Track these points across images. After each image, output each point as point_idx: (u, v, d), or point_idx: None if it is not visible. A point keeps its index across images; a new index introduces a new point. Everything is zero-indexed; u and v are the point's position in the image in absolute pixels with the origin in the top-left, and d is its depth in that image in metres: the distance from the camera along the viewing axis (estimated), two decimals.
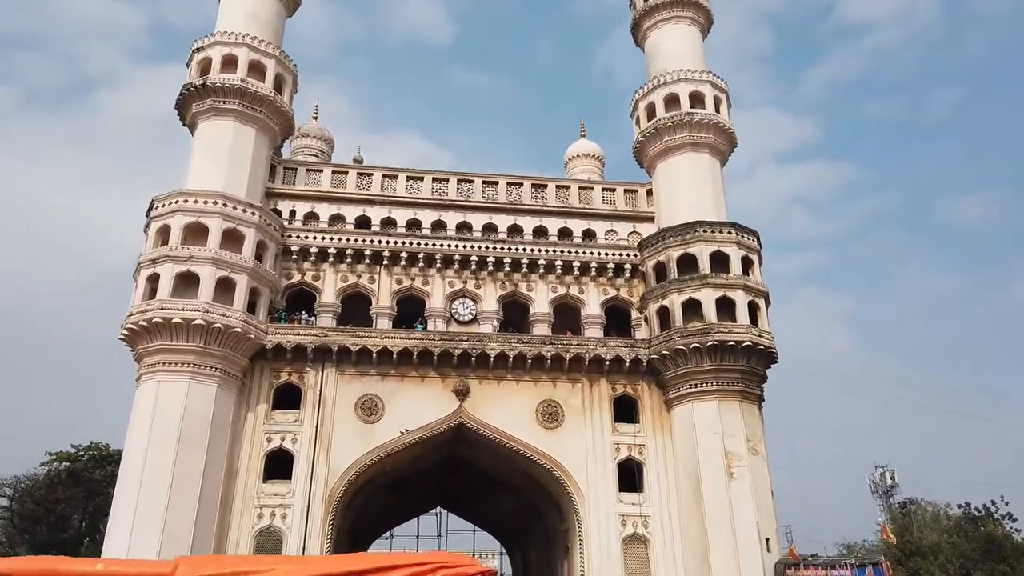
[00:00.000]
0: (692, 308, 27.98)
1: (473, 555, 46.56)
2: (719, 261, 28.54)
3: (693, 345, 27.01)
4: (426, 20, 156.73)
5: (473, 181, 31.65)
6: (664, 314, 28.53)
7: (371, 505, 36.24)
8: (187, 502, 23.42)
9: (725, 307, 27.84)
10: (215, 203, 26.53)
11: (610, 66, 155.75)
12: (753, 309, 28.17)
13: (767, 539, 25.34)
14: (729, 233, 28.93)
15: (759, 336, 27.49)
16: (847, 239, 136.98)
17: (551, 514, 30.39)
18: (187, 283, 25.72)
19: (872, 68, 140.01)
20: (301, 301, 28.82)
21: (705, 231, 28.79)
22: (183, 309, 24.93)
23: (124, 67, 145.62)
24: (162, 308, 24.84)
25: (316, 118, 43.32)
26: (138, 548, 22.45)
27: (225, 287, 25.96)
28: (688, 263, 28.64)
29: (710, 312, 27.57)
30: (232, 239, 26.65)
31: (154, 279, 25.59)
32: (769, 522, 25.79)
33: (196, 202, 26.50)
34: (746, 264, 28.84)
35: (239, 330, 25.46)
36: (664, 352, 27.63)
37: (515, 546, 40.62)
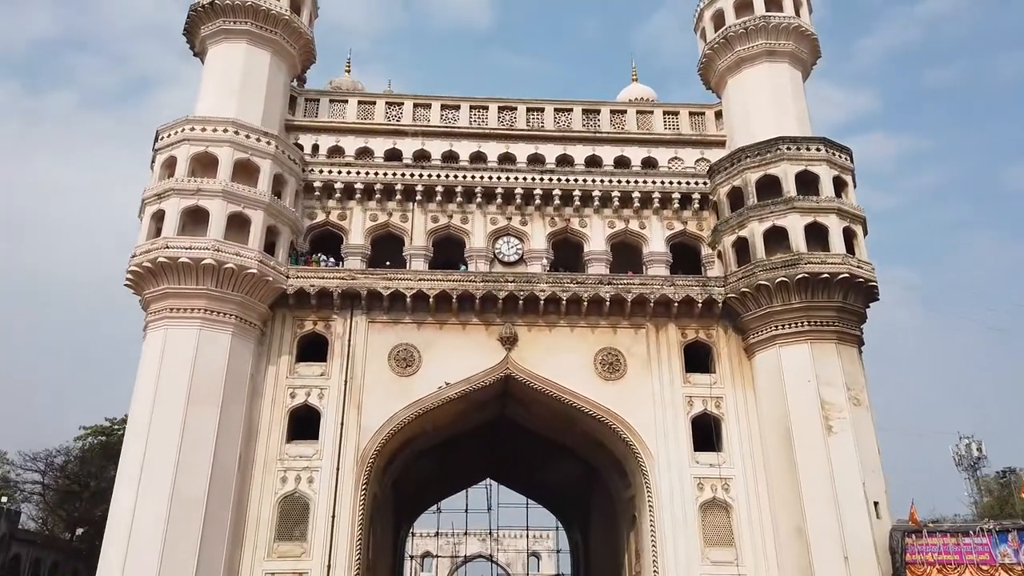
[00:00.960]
0: (775, 238, 23.87)
1: (526, 532, 43.39)
2: (807, 183, 24.31)
3: (779, 279, 22.93)
4: (467, 4, 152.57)
5: (516, 108, 27.93)
6: (742, 247, 24.48)
7: (414, 473, 33.28)
8: (199, 464, 20.57)
9: (815, 236, 23.64)
10: (225, 131, 23.48)
11: (655, 42, 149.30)
12: (849, 237, 23.91)
13: (875, 503, 21.27)
14: (818, 150, 24.65)
15: (858, 267, 23.25)
16: (908, 212, 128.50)
17: (614, 480, 26.79)
18: (196, 221, 22.79)
19: (928, 35, 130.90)
20: (326, 244, 25.65)
21: (789, 148, 24.55)
22: (191, 247, 21.98)
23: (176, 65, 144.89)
24: (167, 247, 21.94)
25: (348, 71, 40.09)
26: (144, 515, 19.74)
27: (239, 225, 22.96)
28: (769, 187, 24.49)
29: (798, 241, 23.43)
30: (246, 172, 23.61)
31: (159, 216, 22.72)
32: (877, 484, 21.68)
33: (204, 130, 23.49)
34: (839, 185, 24.55)
35: (255, 271, 22.41)
36: (743, 290, 23.61)
37: (573, 520, 37.18)
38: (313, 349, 23.99)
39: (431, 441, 27.04)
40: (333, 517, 21.68)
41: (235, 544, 21.05)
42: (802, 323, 23.06)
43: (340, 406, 22.99)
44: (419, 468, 33.28)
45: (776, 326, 23.31)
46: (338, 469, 22.25)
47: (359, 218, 25.70)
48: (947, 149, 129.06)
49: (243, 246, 22.57)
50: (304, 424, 23.10)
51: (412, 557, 43.38)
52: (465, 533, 40.75)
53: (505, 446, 33.56)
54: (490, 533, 41.10)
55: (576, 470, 33.45)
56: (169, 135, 23.72)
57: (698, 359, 24.70)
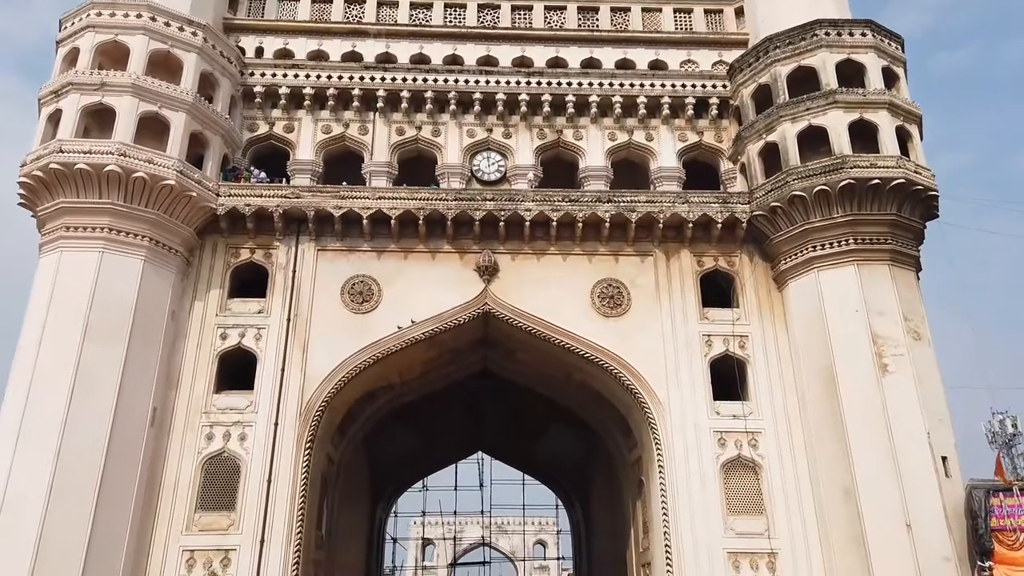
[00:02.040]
0: (811, 142, 19.53)
1: (523, 511, 39.25)
2: (849, 76, 19.94)
3: (818, 188, 18.59)
4: None
5: (499, 6, 23.52)
6: (770, 155, 20.13)
7: (392, 444, 29.19)
8: (96, 414, 16.48)
9: (862, 137, 19.30)
10: (139, 16, 19.25)
11: None
12: (902, 138, 19.55)
13: (943, 458, 17.01)
14: (863, 35, 20.23)
15: (915, 172, 18.88)
16: None
17: (617, 441, 22.57)
18: (103, 125, 18.65)
19: (937, 20, 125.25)
20: (271, 164, 21.38)
21: (828, 33, 20.13)
22: (90, 151, 17.81)
23: None
24: (61, 151, 17.78)
25: None
26: (21, 477, 15.69)
27: (156, 132, 18.78)
28: (804, 81, 20.11)
29: (840, 142, 19.07)
30: (166, 69, 19.41)
31: (56, 118, 18.56)
32: (944, 435, 17.41)
33: (114, 15, 19.29)
34: (889, 78, 20.16)
35: (172, 182, 18.23)
36: (773, 204, 19.27)
37: (574, 496, 32.97)
38: (250, 283, 19.84)
39: (401, 397, 22.84)
40: (269, 482, 17.57)
41: (146, 514, 16.99)
42: (847, 241, 18.73)
43: (281, 349, 18.85)
44: (398, 439, 29.23)
45: (814, 246, 18.97)
46: (277, 424, 18.13)
47: (309, 130, 21.46)
48: (956, 136, 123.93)
49: (159, 152, 18.39)
50: (238, 372, 18.98)
51: (396, 540, 39.31)
52: (455, 513, 36.57)
53: (493, 411, 29.40)
54: (483, 512, 36.93)
55: (574, 438, 29.25)
56: (72, 23, 19.55)
57: (717, 292, 20.40)
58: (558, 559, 43.40)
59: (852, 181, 18.42)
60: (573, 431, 28.53)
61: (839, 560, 16.87)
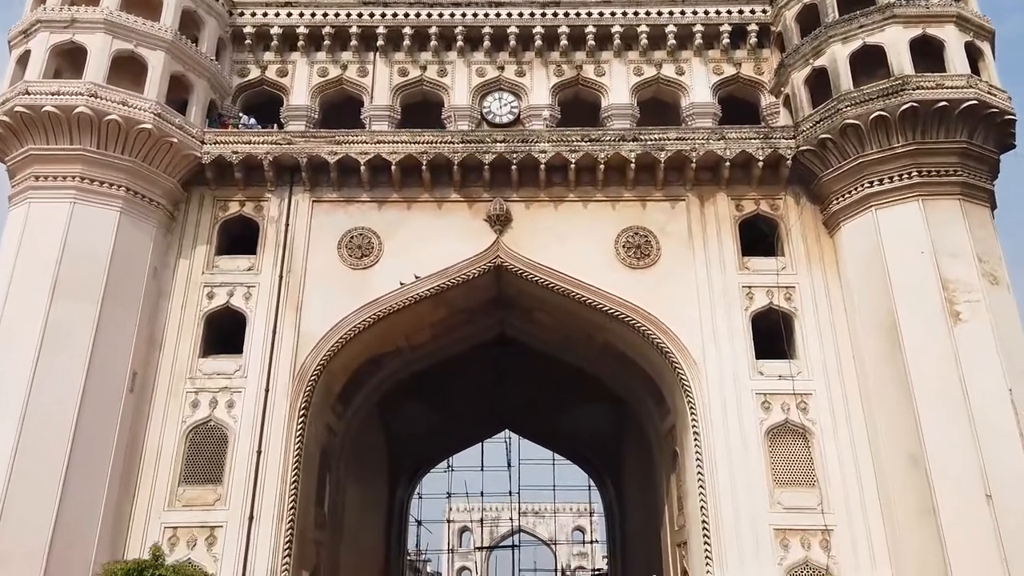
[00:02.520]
0: (866, 64, 17.06)
1: (553, 493, 37.27)
2: None
3: (875, 114, 16.16)
4: None
5: None
6: (818, 82, 17.73)
7: (411, 422, 27.52)
8: (65, 378, 14.95)
9: (924, 57, 16.78)
10: None
11: None
12: (972, 56, 16.98)
13: None
14: None
15: (988, 93, 16.33)
16: None
17: (648, 410, 20.44)
18: (75, 66, 17.04)
19: None
20: (264, 112, 19.64)
21: None
22: (58, 93, 16.23)
23: None
24: (27, 92, 16.23)
25: None
26: None
27: (132, 72, 17.15)
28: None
29: (900, 61, 16.59)
30: (145, 4, 17.74)
31: (25, 59, 17.02)
32: None
33: None
34: None
35: (149, 127, 16.57)
36: (823, 137, 16.88)
37: (605, 474, 30.94)
38: (240, 238, 18.15)
39: (411, 365, 21.02)
40: (259, 453, 15.91)
41: (124, 488, 15.46)
42: (909, 174, 16.28)
43: (273, 309, 17.14)
44: (416, 414, 27.56)
45: (871, 182, 16.56)
46: (268, 390, 16.44)
47: (304, 73, 19.67)
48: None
49: (134, 94, 16.75)
50: (226, 334, 17.33)
51: (420, 523, 37.79)
52: (481, 495, 34.84)
53: (515, 384, 27.48)
54: (510, 494, 35.13)
55: (602, 411, 27.27)
56: None
57: (759, 239, 18.13)
58: (591, 543, 41.34)
59: (915, 104, 15.96)
60: (601, 403, 26.53)
61: (906, 537, 14.60)
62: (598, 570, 42.22)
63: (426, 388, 26.98)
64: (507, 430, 34.02)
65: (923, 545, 14.32)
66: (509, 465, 35.30)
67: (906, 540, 14.57)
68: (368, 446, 26.55)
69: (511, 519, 37.68)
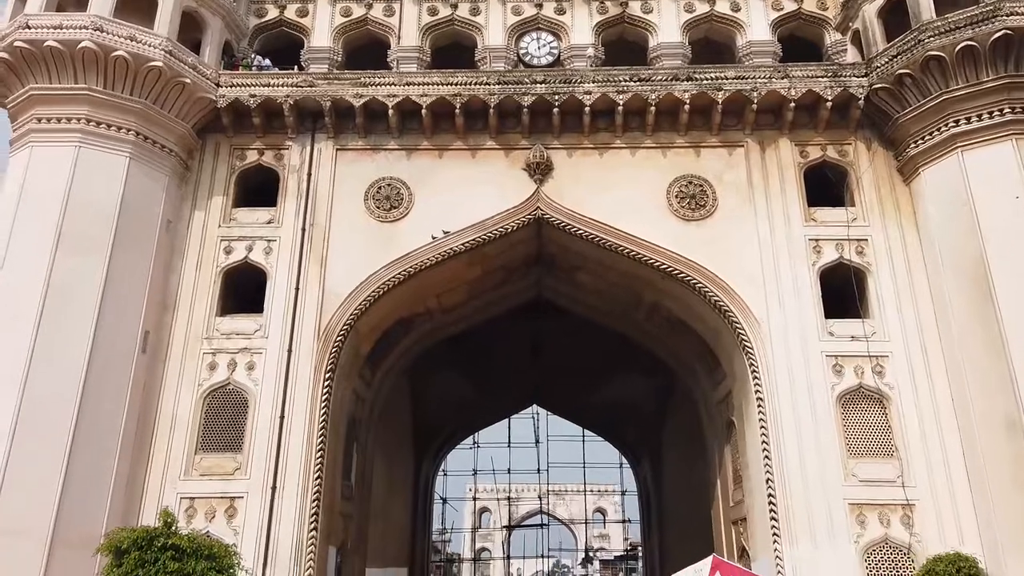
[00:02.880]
0: None
1: (583, 471, 35.97)
2: None
3: (962, 44, 14.43)
4: None
5: None
6: (893, 14, 16.00)
7: (437, 392, 26.27)
8: (70, 338, 13.69)
9: None
10: None
11: None
12: None
13: None
14: None
15: None
16: None
17: (698, 377, 18.93)
18: (80, 1, 15.65)
19: None
20: (283, 56, 18.15)
21: None
22: (61, 27, 14.85)
23: None
24: (27, 27, 14.87)
25: None
26: None
27: (141, 9, 15.63)
28: None
29: None
30: None
31: None
32: None
33: None
34: None
35: (160, 64, 15.17)
36: (900, 72, 15.15)
37: (641, 451, 29.54)
38: (259, 188, 16.78)
39: (443, 329, 19.65)
40: (282, 418, 14.62)
41: (137, 457, 14.24)
42: (1000, 111, 14.56)
43: (295, 264, 15.79)
44: (444, 385, 26.31)
45: (956, 121, 14.86)
46: (290, 351, 15.12)
47: (326, 13, 18.16)
48: None
49: (144, 29, 15.34)
50: (245, 292, 16.02)
51: (445, 501, 36.69)
52: (508, 471, 33.58)
53: (549, 354, 26.12)
54: (539, 471, 33.88)
55: (643, 383, 25.88)
56: None
57: (826, 188, 16.49)
58: (623, 522, 40.08)
59: (1009, 32, 14.22)
60: (641, 374, 25.14)
61: (1001, 512, 13.05)
62: (630, 549, 40.91)
63: (458, 359, 25.73)
64: (535, 405, 32.79)
65: (1020, 520, 12.80)
66: (537, 442, 34.03)
67: (1002, 516, 13.02)
68: (396, 418, 25.35)
69: (538, 496, 36.39)
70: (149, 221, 15.29)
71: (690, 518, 23.23)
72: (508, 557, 46.54)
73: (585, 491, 35.76)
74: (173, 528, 10.98)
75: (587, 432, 33.34)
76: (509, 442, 34.03)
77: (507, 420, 33.17)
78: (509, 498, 38.29)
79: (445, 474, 34.26)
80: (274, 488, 14.09)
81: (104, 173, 14.82)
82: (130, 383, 14.25)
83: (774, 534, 13.93)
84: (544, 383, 28.80)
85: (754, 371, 15.04)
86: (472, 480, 34.61)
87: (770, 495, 14.20)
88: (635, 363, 24.52)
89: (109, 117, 15.07)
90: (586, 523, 42.27)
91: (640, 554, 40.40)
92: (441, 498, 35.63)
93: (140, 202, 15.18)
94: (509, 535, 51.35)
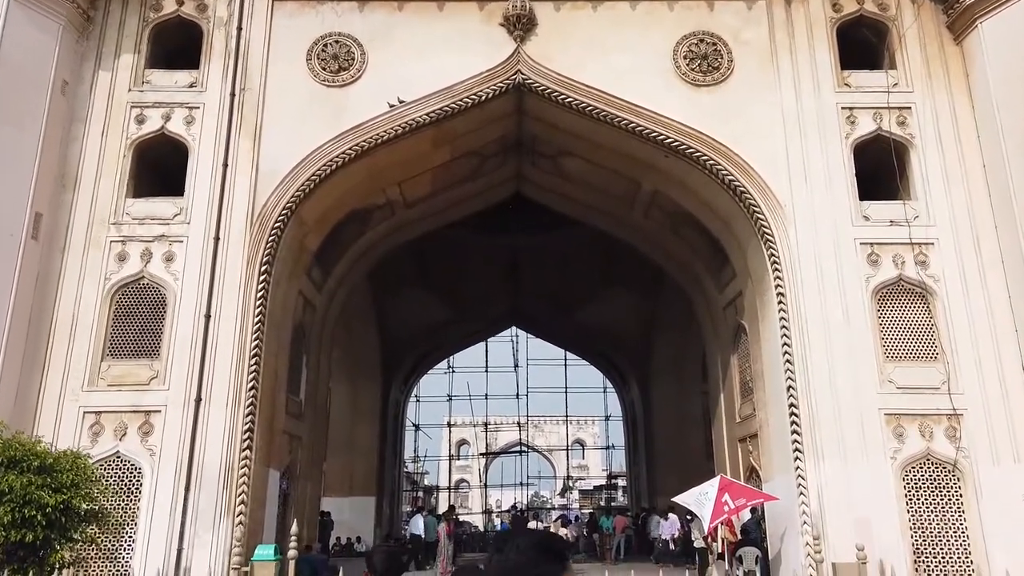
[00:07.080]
0: None
1: (565, 395, 33.99)
2: None
3: None
4: None
5: None
6: None
7: (406, 310, 23.86)
8: None
9: None
10: None
11: None
12: None
13: None
14: None
15: None
16: None
17: (700, 279, 16.54)
18: None
19: None
20: None
21: None
22: None
23: None
24: None
25: None
26: None
27: None
28: None
29: None
30: None
31: None
32: None
33: None
34: None
35: None
36: None
37: (628, 372, 27.49)
38: (179, 48, 13.81)
39: (406, 227, 16.98)
40: (207, 318, 12.07)
41: (30, 364, 11.69)
42: None
43: (223, 136, 12.99)
44: (417, 305, 23.88)
45: None
46: (217, 239, 12.47)
47: None
48: None
49: None
50: (162, 170, 13.24)
51: (418, 428, 34.71)
52: (485, 396, 31.58)
53: (529, 274, 23.76)
54: (517, 396, 31.87)
55: (632, 298, 23.70)
56: None
57: (862, 49, 13.88)
58: (606, 448, 38.46)
59: None
60: (631, 288, 22.98)
61: None
62: (611, 478, 39.51)
63: (429, 276, 23.32)
64: (514, 327, 30.55)
65: None
66: (516, 366, 31.85)
67: None
68: (359, 337, 23.05)
69: (517, 424, 34.47)
70: (38, 80, 12.38)
71: (684, 443, 21.41)
72: (485, 486, 45.05)
73: (567, 417, 33.78)
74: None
75: (570, 356, 31.24)
76: (487, 366, 31.85)
77: (484, 343, 30.92)
78: (487, 424, 36.22)
79: (418, 400, 32.14)
80: (199, 400, 11.65)
81: None
82: (16, 274, 11.60)
83: (796, 451, 11.80)
84: (523, 303, 26.51)
85: (775, 263, 12.68)
86: (447, 407, 32.50)
87: (792, 406, 12.01)
88: (624, 274, 22.26)
89: None
90: (567, 450, 40.64)
91: (619, 484, 39.05)
92: (414, 425, 33.64)
93: (25, 56, 12.25)
94: (488, 463, 49.92)
